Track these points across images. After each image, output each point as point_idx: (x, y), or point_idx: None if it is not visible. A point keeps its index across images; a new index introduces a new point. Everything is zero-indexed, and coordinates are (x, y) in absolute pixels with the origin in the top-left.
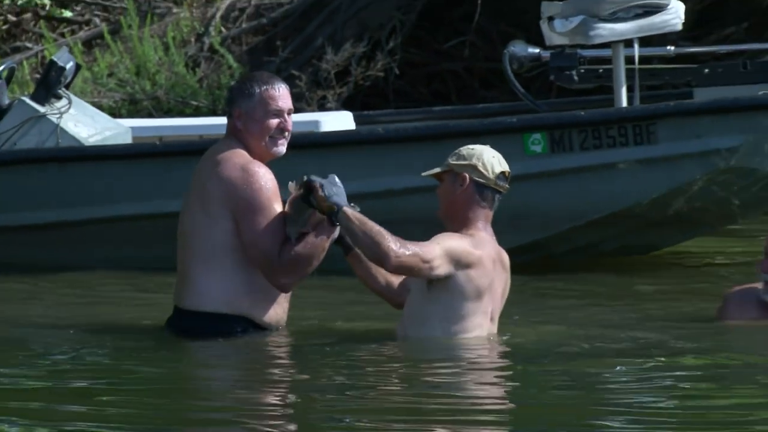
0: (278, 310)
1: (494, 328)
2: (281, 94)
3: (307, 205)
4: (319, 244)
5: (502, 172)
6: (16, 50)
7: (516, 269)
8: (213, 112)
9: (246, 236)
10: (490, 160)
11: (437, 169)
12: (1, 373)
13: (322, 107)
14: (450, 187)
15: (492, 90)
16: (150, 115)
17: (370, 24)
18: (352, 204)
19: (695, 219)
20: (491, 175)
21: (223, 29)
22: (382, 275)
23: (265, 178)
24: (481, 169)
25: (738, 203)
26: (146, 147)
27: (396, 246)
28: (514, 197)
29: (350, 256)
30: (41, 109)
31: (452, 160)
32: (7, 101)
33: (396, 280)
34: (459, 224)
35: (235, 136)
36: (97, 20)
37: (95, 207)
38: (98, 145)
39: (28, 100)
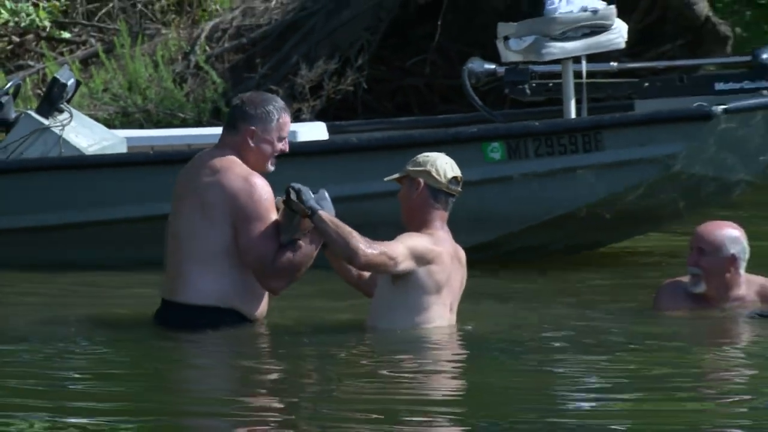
0: (263, 305)
1: (453, 319)
2: (289, 121)
3: (288, 209)
4: (308, 252)
5: (454, 177)
6: (20, 68)
7: (474, 265)
8: (198, 123)
9: (243, 242)
10: (443, 166)
11: (396, 175)
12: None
13: (297, 119)
14: (407, 192)
15: (451, 103)
16: (141, 126)
17: (341, 43)
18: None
19: (640, 219)
20: (444, 180)
21: (207, 48)
22: (355, 270)
23: (264, 189)
24: (435, 174)
25: (678, 204)
26: (140, 156)
27: (364, 246)
28: (474, 200)
29: (328, 252)
30: (45, 121)
31: (409, 167)
32: (13, 115)
33: (367, 273)
34: (418, 225)
35: (235, 148)
36: (92, 40)
37: (94, 210)
38: (97, 155)
39: (33, 114)
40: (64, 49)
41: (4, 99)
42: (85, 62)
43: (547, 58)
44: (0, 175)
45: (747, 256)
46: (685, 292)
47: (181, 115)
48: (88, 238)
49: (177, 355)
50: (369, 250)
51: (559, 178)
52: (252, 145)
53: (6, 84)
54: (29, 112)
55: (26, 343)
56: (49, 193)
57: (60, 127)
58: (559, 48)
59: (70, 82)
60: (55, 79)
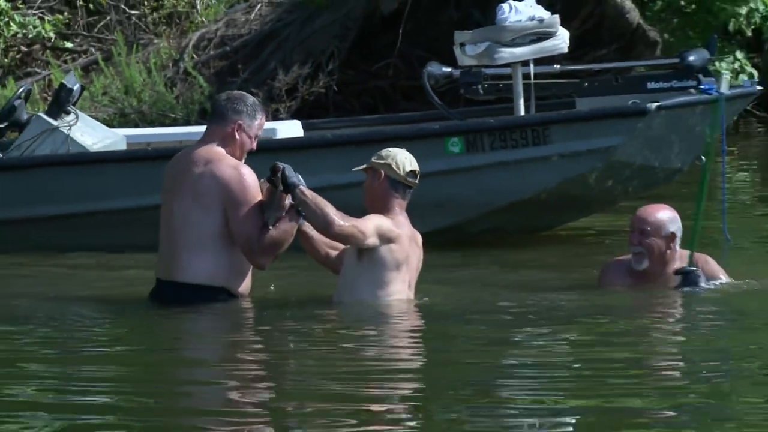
0: (247, 283)
1: (411, 295)
2: (264, 123)
3: (271, 185)
4: (288, 229)
5: (412, 171)
6: (28, 75)
7: (436, 247)
8: (187, 123)
9: (234, 225)
10: (403, 160)
11: (363, 166)
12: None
13: (275, 118)
14: (370, 181)
15: (412, 102)
16: (137, 126)
17: (314, 50)
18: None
19: (584, 203)
20: (402, 173)
21: (194, 56)
22: (324, 248)
23: (252, 177)
24: (395, 167)
25: (617, 189)
26: (139, 152)
27: (339, 218)
28: (438, 189)
29: (300, 233)
30: (54, 122)
31: (373, 159)
32: (25, 117)
33: (334, 252)
34: (378, 210)
35: (221, 139)
36: (92, 50)
37: (99, 201)
38: (101, 151)
39: (43, 116)
40: (67, 58)
41: (17, 103)
42: (86, 69)
43: (499, 62)
44: (14, 171)
45: (681, 233)
46: (626, 269)
47: (172, 115)
48: (93, 226)
49: (173, 328)
50: (343, 222)
51: (512, 168)
52: (237, 137)
53: (18, 89)
54: (40, 114)
55: (31, 320)
56: (59, 186)
57: (67, 128)
58: (510, 53)
59: (76, 87)
60: (62, 85)
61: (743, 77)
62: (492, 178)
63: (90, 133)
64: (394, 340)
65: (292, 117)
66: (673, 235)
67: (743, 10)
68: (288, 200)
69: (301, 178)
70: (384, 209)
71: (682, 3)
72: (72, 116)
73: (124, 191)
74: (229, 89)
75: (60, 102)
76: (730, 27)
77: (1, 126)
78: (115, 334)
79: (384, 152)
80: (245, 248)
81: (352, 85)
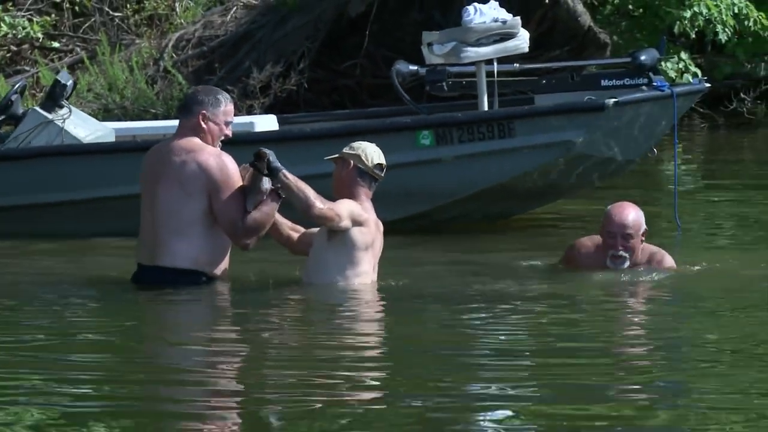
0: (225, 266)
1: (375, 277)
2: (232, 110)
3: (255, 170)
4: (269, 211)
5: (379, 164)
6: (17, 72)
7: (404, 233)
8: (167, 117)
9: (217, 208)
10: (372, 153)
11: (334, 156)
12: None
13: (249, 113)
14: (339, 170)
15: (378, 99)
16: (119, 120)
17: (285, 51)
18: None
19: (546, 192)
20: (370, 164)
21: (174, 55)
22: (286, 230)
23: (232, 164)
24: (363, 158)
25: (577, 179)
26: (130, 144)
27: (319, 202)
28: (409, 179)
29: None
30: (49, 116)
31: (344, 150)
32: (21, 110)
33: (295, 234)
34: (344, 198)
35: (193, 130)
36: (78, 49)
37: (92, 190)
38: (93, 143)
39: (39, 110)
40: (54, 57)
41: (14, 97)
42: (72, 67)
43: (465, 61)
44: (12, 161)
45: None
46: (593, 251)
47: (153, 110)
48: (86, 213)
49: (155, 311)
50: (322, 206)
51: (479, 159)
52: (204, 126)
53: (12, 86)
54: (35, 108)
55: (19, 304)
56: (54, 176)
57: (61, 121)
58: (475, 52)
59: (69, 83)
60: (56, 81)
61: (687, 77)
62: (460, 169)
63: (82, 126)
64: (363, 322)
65: (266, 113)
66: (645, 232)
67: (688, 14)
68: (268, 185)
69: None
70: (350, 196)
71: (631, 7)
72: (65, 110)
73: (115, 180)
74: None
75: (54, 97)
76: (676, 29)
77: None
78: (99, 317)
79: (355, 144)
80: (229, 230)
81: (322, 83)
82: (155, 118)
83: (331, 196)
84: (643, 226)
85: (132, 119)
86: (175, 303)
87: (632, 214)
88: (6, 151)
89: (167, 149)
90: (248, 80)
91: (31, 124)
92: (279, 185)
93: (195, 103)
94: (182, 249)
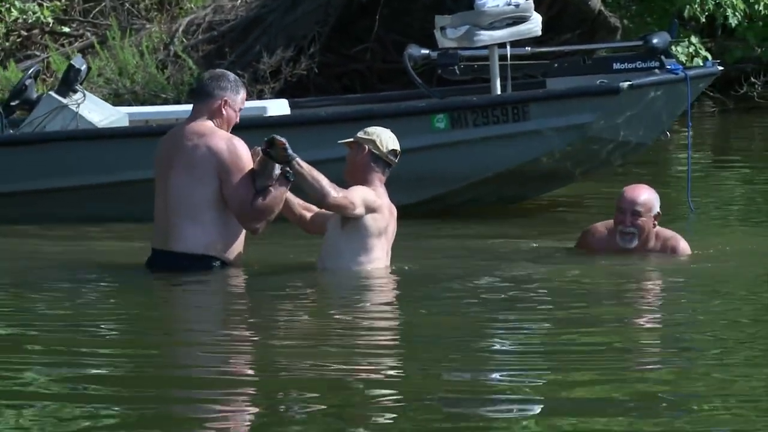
0: (240, 251)
1: (388, 262)
2: (245, 97)
3: (267, 157)
4: (279, 195)
5: (394, 150)
6: (27, 57)
7: (416, 216)
8: (178, 102)
9: (227, 191)
10: (387, 139)
11: (348, 140)
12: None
13: (260, 97)
14: (353, 155)
15: (388, 84)
16: (130, 105)
17: (296, 35)
18: None
19: (560, 175)
20: (384, 150)
21: (184, 40)
22: (298, 209)
23: (243, 147)
24: (378, 144)
25: (592, 162)
26: (145, 128)
27: (333, 190)
28: (424, 163)
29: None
30: (64, 100)
31: (359, 135)
32: (35, 95)
33: (308, 213)
34: (357, 182)
35: (210, 115)
36: (88, 34)
37: (107, 174)
38: (109, 127)
39: (53, 94)
40: (65, 42)
41: (28, 82)
42: (82, 52)
43: (479, 44)
44: (28, 145)
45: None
46: (606, 236)
47: (163, 95)
48: (101, 198)
49: (167, 296)
50: (336, 194)
51: (493, 143)
52: (223, 111)
53: (24, 71)
54: (50, 92)
55: (32, 288)
56: (70, 160)
57: (76, 105)
58: (489, 36)
59: (83, 67)
60: (71, 65)
61: (698, 60)
62: (474, 152)
63: (96, 111)
64: (376, 309)
65: (276, 97)
66: (658, 215)
67: None
68: (278, 170)
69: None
70: (364, 181)
71: None
72: (80, 95)
73: (131, 165)
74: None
75: (69, 81)
76: (686, 13)
77: (13, 104)
78: (111, 302)
79: (370, 129)
80: (238, 213)
81: (332, 67)
82: (166, 102)
83: (343, 181)
84: (655, 209)
85: (142, 104)
86: (187, 288)
87: (645, 194)
88: (21, 136)
89: (180, 134)
90: (258, 65)
91: (45, 108)
92: (289, 171)
93: (218, 88)
94: (195, 234)
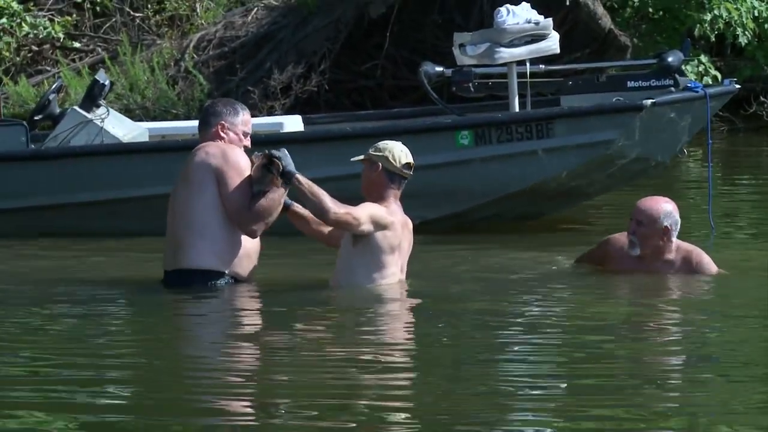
0: (252, 267)
1: (403, 277)
2: (250, 120)
3: (267, 172)
4: (276, 198)
5: (407, 163)
6: (38, 72)
7: (437, 232)
8: (188, 118)
9: (225, 196)
10: (399, 153)
11: (361, 157)
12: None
13: (270, 114)
14: (367, 172)
15: (397, 100)
16: (140, 121)
17: (306, 52)
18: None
19: (580, 192)
20: (398, 165)
21: (195, 56)
22: (315, 224)
23: (238, 153)
24: (391, 159)
25: (613, 178)
26: (170, 143)
27: (334, 206)
28: (446, 179)
29: (290, 213)
30: (89, 115)
31: (371, 151)
32: (58, 110)
33: (325, 228)
34: (374, 199)
35: (213, 141)
36: (99, 49)
37: (132, 189)
38: (134, 142)
39: (78, 109)
40: (75, 57)
41: (52, 97)
42: (92, 67)
43: (499, 62)
44: (53, 160)
45: (678, 227)
46: (624, 247)
47: (174, 111)
48: (124, 212)
49: (175, 314)
50: (338, 210)
51: (517, 159)
52: (223, 135)
53: (52, 84)
54: (75, 107)
55: (52, 304)
56: (95, 175)
57: (100, 120)
58: (509, 53)
59: (107, 83)
60: (95, 80)
61: (707, 79)
62: (497, 169)
63: (119, 126)
64: (389, 326)
65: (286, 114)
66: (666, 229)
67: (708, 17)
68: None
69: (287, 152)
70: (379, 198)
71: (651, 10)
72: (103, 110)
73: (156, 179)
74: (227, 87)
75: (93, 96)
76: (696, 32)
77: (37, 118)
78: (123, 321)
79: (381, 145)
80: (236, 216)
81: (342, 83)
82: (176, 118)
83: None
84: (662, 223)
85: (153, 119)
86: (196, 306)
87: (654, 206)
88: (49, 150)
89: (190, 155)
90: (269, 81)
91: (70, 123)
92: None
93: (212, 115)
94: (201, 248)
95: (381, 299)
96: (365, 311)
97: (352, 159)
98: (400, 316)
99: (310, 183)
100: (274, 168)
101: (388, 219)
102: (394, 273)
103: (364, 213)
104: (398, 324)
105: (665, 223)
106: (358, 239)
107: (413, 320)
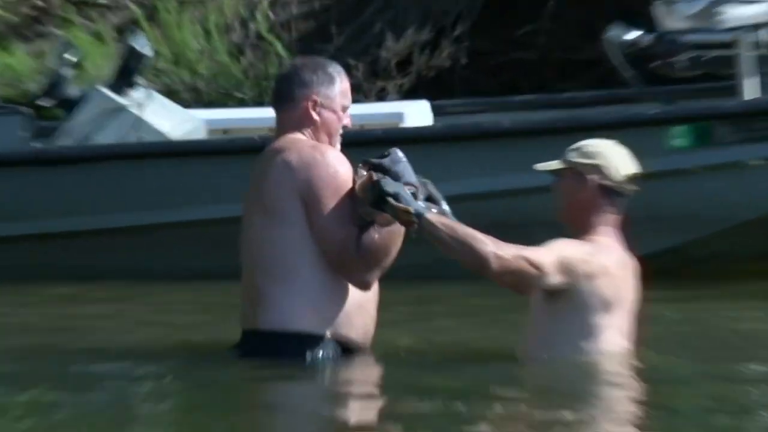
0: (367, 326)
1: (627, 342)
2: (349, 88)
3: (379, 211)
4: (397, 230)
5: (631, 175)
6: (40, 36)
7: (651, 276)
8: (259, 104)
9: (318, 225)
10: (618, 160)
11: (555, 164)
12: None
13: (380, 98)
14: (571, 188)
15: (569, 81)
16: (188, 107)
17: (434, 9)
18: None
19: None
20: (618, 177)
21: (270, 14)
22: None
23: (338, 159)
24: (607, 169)
25: None
26: (242, 141)
27: (495, 248)
28: (652, 198)
29: (426, 231)
30: (120, 100)
31: (574, 158)
32: (77, 91)
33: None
34: (581, 228)
35: (296, 127)
36: (129, 3)
37: (188, 208)
38: (185, 140)
39: (105, 91)
40: (95, 14)
41: (65, 72)
42: (120, 30)
43: (725, 26)
44: (67, 165)
45: None
46: None
47: (239, 94)
48: (177, 241)
49: (254, 400)
50: (503, 254)
51: (759, 170)
52: (314, 116)
53: (59, 48)
54: (100, 88)
55: (75, 381)
56: (129, 187)
57: (138, 107)
58: (740, 13)
59: (148, 51)
60: (131, 48)
61: None
62: (732, 184)
63: (165, 116)
64: (608, 420)
65: (405, 98)
66: None
67: None
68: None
69: (402, 157)
70: (590, 226)
71: None
72: (142, 91)
73: (218, 195)
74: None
75: (127, 71)
76: None
77: (46, 104)
78: (169, 400)
79: (590, 148)
80: (338, 259)
81: (486, 56)
82: (242, 104)
83: (546, 220)
84: None
85: (207, 106)
86: (284, 390)
87: None
88: (60, 151)
89: (262, 158)
90: (379, 52)
91: (93, 111)
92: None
93: (297, 86)
94: (287, 303)
95: (592, 379)
96: (570, 401)
97: (537, 167)
98: (619, 408)
99: (449, 224)
100: (388, 208)
101: (594, 262)
102: (611, 340)
103: (551, 257)
104: (610, 414)
105: None
106: (551, 295)
107: (645, 415)
